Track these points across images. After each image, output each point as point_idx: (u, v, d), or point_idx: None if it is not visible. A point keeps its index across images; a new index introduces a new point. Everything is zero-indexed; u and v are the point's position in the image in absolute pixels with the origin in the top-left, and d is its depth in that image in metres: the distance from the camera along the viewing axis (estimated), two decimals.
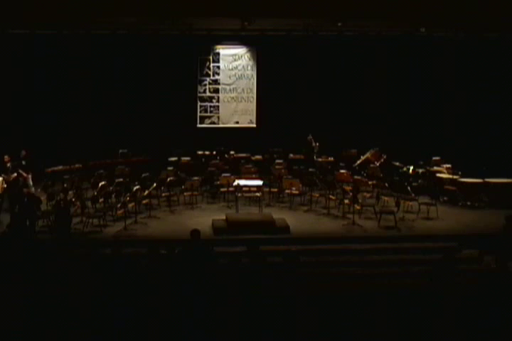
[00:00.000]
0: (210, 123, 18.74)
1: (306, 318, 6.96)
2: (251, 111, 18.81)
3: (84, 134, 17.09)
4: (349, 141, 17.52)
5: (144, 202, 13.49)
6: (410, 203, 13.43)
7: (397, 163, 16.10)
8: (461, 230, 12.26)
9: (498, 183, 14.23)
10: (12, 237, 10.63)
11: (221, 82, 18.63)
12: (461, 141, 17.53)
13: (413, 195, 13.49)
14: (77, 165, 15.78)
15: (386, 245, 11.56)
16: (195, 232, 8.84)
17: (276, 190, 14.70)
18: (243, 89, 18.73)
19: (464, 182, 14.36)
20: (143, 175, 14.51)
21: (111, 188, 13.41)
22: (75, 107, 17.32)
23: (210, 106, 18.73)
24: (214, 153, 17.55)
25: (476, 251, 10.92)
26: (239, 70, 18.64)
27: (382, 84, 18.07)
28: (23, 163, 13.98)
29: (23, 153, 14.10)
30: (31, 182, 14.02)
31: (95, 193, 12.98)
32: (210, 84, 18.63)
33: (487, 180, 14.29)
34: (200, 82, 18.57)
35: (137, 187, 13.12)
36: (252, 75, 18.69)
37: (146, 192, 13.20)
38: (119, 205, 12.73)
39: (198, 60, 18.46)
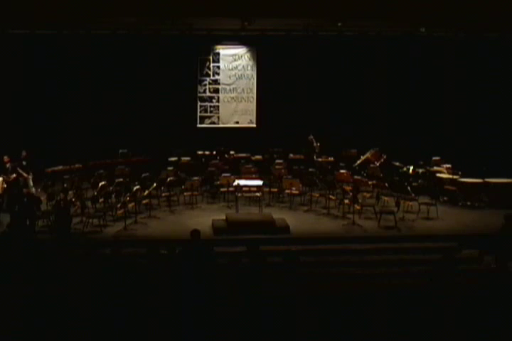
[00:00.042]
0: (210, 123, 18.75)
1: (306, 318, 6.96)
2: (251, 111, 18.81)
3: (84, 134, 17.09)
4: (349, 141, 17.52)
5: (144, 202, 13.49)
6: (410, 203, 13.43)
7: (397, 163, 16.10)
8: (461, 230, 12.26)
9: (498, 183, 14.23)
10: (12, 237, 10.63)
11: (221, 82, 18.63)
12: (461, 141, 17.54)
13: (413, 195, 13.49)
14: (77, 165, 15.78)
15: (386, 245, 11.56)
16: (196, 232, 8.84)
17: (276, 190, 14.70)
18: (243, 89, 18.73)
19: (464, 182, 14.36)
20: (143, 175, 14.51)
21: (111, 188, 13.41)
22: (75, 107, 17.32)
23: (210, 106, 18.73)
24: (214, 153, 17.55)
25: (476, 251, 10.92)
26: (239, 70, 18.64)
27: (382, 84, 18.06)
28: (24, 163, 13.97)
29: (24, 153, 14.10)
30: (32, 183, 14.01)
31: (95, 193, 12.99)
32: (210, 84, 18.63)
33: (487, 180, 14.29)
34: (200, 82, 18.57)
35: (137, 187, 13.12)
36: (252, 75, 18.69)
37: (146, 192, 13.20)
38: (119, 205, 12.73)
39: (198, 60, 18.46)
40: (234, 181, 13.63)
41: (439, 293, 7.99)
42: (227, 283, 7.91)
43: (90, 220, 12.32)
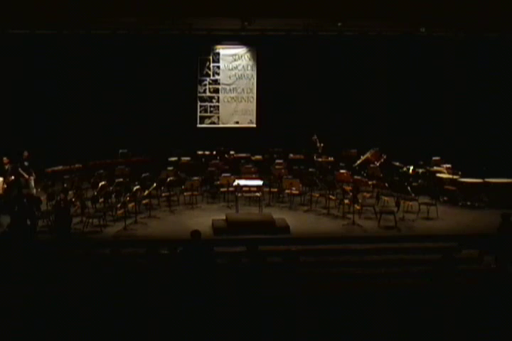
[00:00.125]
0: (210, 123, 18.74)
1: (306, 318, 6.96)
2: (251, 111, 18.81)
3: (84, 134, 17.08)
4: (349, 141, 17.52)
5: (144, 202, 13.49)
6: (410, 203, 13.42)
7: (397, 163, 16.10)
8: (461, 230, 12.26)
9: (498, 183, 14.23)
10: (12, 237, 10.64)
11: (221, 82, 18.63)
12: (461, 141, 17.53)
13: (413, 195, 13.49)
14: (77, 165, 15.77)
15: (386, 245, 11.56)
16: (196, 233, 8.84)
17: (276, 190, 14.70)
18: (243, 89, 18.72)
19: (464, 182, 14.36)
20: (143, 175, 14.51)
21: (111, 188, 13.40)
22: (75, 107, 17.31)
23: (210, 106, 18.73)
24: (214, 153, 17.54)
25: (476, 251, 10.93)
26: (239, 70, 18.64)
27: (382, 84, 18.06)
28: (26, 163, 13.96)
29: (26, 154, 14.08)
30: (33, 184, 14.00)
31: (95, 193, 12.98)
32: (210, 84, 18.63)
33: (487, 180, 14.29)
34: (200, 82, 18.57)
35: (137, 187, 13.11)
36: (252, 75, 18.69)
37: (146, 192, 13.20)
38: (119, 205, 12.73)
39: (198, 60, 18.46)
40: (234, 181, 13.62)
41: (439, 293, 7.99)
42: (227, 283, 7.91)
43: (90, 220, 12.32)
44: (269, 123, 18.26)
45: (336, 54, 18.02)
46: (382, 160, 16.34)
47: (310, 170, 15.33)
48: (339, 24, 15.51)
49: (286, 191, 14.34)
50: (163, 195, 14.24)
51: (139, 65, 17.53)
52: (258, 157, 17.33)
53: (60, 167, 15.55)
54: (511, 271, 9.77)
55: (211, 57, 18.52)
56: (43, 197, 12.97)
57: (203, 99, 18.67)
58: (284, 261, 8.39)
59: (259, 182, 13.57)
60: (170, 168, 15.29)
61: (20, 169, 13.86)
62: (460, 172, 15.06)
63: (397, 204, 13.05)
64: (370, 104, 17.94)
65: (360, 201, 13.11)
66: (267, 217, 12.45)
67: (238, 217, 12.58)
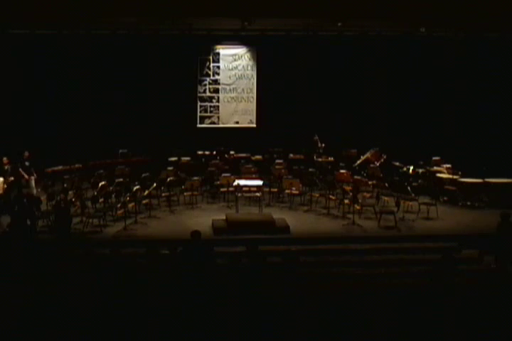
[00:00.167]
0: (210, 123, 18.74)
1: (306, 318, 6.96)
2: (251, 111, 18.81)
3: (84, 134, 17.08)
4: (349, 141, 17.51)
5: (144, 202, 13.49)
6: (410, 203, 13.42)
7: (397, 163, 16.10)
8: (461, 230, 12.25)
9: (498, 183, 14.23)
10: (12, 237, 10.64)
11: (221, 82, 18.63)
12: (461, 141, 17.52)
13: (413, 195, 13.49)
14: (77, 165, 15.77)
15: (386, 245, 11.56)
16: (196, 233, 8.84)
17: (276, 190, 14.69)
18: (243, 89, 18.72)
19: (464, 182, 14.36)
20: (143, 175, 14.51)
21: (111, 188, 13.40)
22: (75, 107, 17.31)
23: (210, 106, 18.73)
24: (214, 153, 17.54)
25: (476, 251, 10.93)
26: (239, 70, 18.64)
27: (382, 84, 18.06)
28: (27, 163, 13.96)
29: (27, 154, 14.07)
30: (34, 184, 13.99)
31: (95, 193, 12.98)
32: (210, 84, 18.63)
33: (487, 180, 14.28)
34: (200, 82, 18.57)
35: (137, 187, 13.12)
36: (252, 75, 18.69)
37: (146, 192, 13.20)
38: (119, 205, 12.73)
39: (198, 60, 18.45)
40: (234, 181, 13.62)
41: (439, 293, 7.99)
42: (227, 283, 7.91)
43: (90, 220, 12.32)
44: (269, 123, 18.26)
45: (336, 54, 18.01)
46: (382, 160, 16.34)
47: (310, 170, 15.33)
48: (339, 24, 15.49)
49: (286, 191, 14.34)
50: (163, 195, 14.23)
51: (139, 65, 17.53)
52: (258, 157, 17.33)
53: (60, 167, 15.55)
54: (511, 271, 9.76)
55: (211, 57, 18.52)
56: (43, 197, 12.97)
57: (203, 99, 18.67)
58: (284, 261, 8.39)
59: (259, 182, 13.57)
60: (170, 168, 15.29)
61: (20, 169, 13.87)
62: (460, 172, 15.05)
63: (397, 204, 13.04)
64: (370, 104, 17.94)
65: (360, 201, 13.11)
66: (267, 217, 12.45)
67: (238, 217, 12.58)
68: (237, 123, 18.80)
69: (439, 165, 15.74)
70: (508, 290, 8.13)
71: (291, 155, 17.41)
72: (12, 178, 13.21)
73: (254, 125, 18.76)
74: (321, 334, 6.81)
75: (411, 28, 16.35)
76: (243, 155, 17.35)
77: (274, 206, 14.09)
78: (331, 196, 13.85)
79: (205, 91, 18.64)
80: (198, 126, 18.67)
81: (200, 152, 17.53)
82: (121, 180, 14.04)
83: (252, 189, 13.48)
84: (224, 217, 12.50)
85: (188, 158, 16.98)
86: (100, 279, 7.87)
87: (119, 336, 6.86)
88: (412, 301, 7.66)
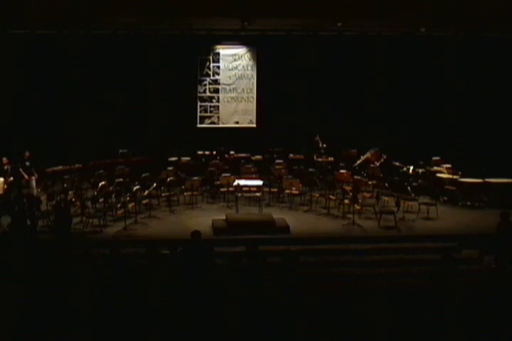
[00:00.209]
0: (210, 123, 18.74)
1: (306, 318, 6.96)
2: (251, 111, 18.81)
3: (84, 134, 17.07)
4: (349, 141, 17.51)
5: (144, 202, 13.49)
6: (410, 203, 13.42)
7: (397, 163, 16.10)
8: (461, 230, 12.26)
9: (498, 183, 14.23)
10: (12, 237, 10.65)
11: (221, 82, 18.63)
12: (461, 141, 17.52)
13: (413, 195, 13.49)
14: (77, 165, 15.77)
15: (386, 245, 11.56)
16: (196, 234, 8.84)
17: (276, 190, 14.70)
18: (243, 89, 18.72)
19: (464, 182, 14.36)
20: (143, 175, 14.51)
21: (111, 188, 13.40)
22: (75, 107, 17.31)
23: (210, 106, 18.73)
24: (214, 153, 17.54)
25: (476, 251, 10.92)
26: (239, 70, 18.64)
27: (382, 84, 18.07)
28: (27, 163, 13.95)
29: (27, 154, 14.06)
30: (34, 184, 13.98)
31: (95, 193, 12.98)
32: (210, 84, 18.63)
33: (487, 180, 14.28)
34: (200, 82, 18.57)
35: (137, 187, 13.12)
36: (252, 75, 18.69)
37: (146, 192, 13.20)
38: (119, 205, 12.73)
39: (198, 60, 18.45)
40: (234, 181, 13.63)
41: (439, 293, 7.99)
42: (227, 283, 7.91)
43: (90, 220, 12.32)
44: (269, 123, 18.26)
45: (336, 54, 18.01)
46: (382, 160, 16.34)
47: (310, 170, 15.33)
48: (339, 24, 15.50)
49: (286, 191, 14.34)
50: (163, 195, 14.24)
51: (139, 65, 17.53)
52: (258, 157, 17.33)
53: (60, 167, 15.55)
54: (511, 271, 9.76)
55: (211, 57, 18.52)
56: (43, 197, 12.97)
57: (203, 99, 18.67)
58: (283, 261, 8.39)
59: (259, 182, 13.57)
60: (170, 168, 15.29)
61: (21, 169, 13.86)
62: (460, 172, 15.05)
63: (397, 204, 13.04)
64: (370, 104, 17.95)
65: (360, 201, 13.11)
66: (267, 217, 12.45)
67: (238, 217, 12.58)
68: (237, 123, 18.80)
69: (439, 165, 15.74)
70: (508, 290, 8.13)
71: (291, 155, 17.41)
72: (11, 178, 13.20)
73: (254, 125, 18.76)
74: (321, 334, 6.81)
75: (411, 28, 16.35)
76: (243, 155, 17.35)
77: (274, 206, 14.09)
78: (331, 196, 13.85)
79: (205, 91, 18.64)
80: (198, 126, 18.67)
81: (200, 152, 17.54)
82: (121, 180, 14.04)
83: (252, 189, 13.48)
84: (224, 217, 12.50)
85: (188, 158, 16.98)
86: (100, 279, 7.87)
87: (119, 336, 6.86)
88: (412, 301, 7.65)
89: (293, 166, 15.97)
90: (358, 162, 16.67)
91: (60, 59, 17.11)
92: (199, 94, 18.60)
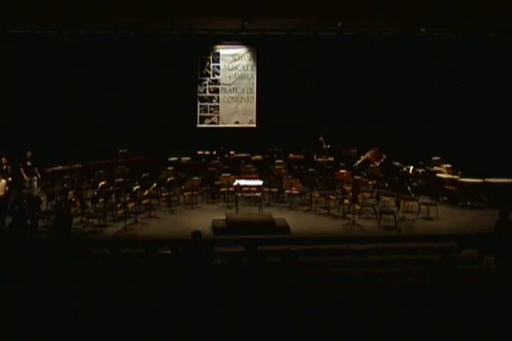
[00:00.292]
0: (210, 123, 18.74)
1: (306, 318, 6.96)
2: (251, 111, 18.81)
3: (84, 134, 17.07)
4: (349, 141, 17.51)
5: (144, 202, 13.49)
6: (410, 203, 13.42)
7: (397, 163, 16.10)
8: (461, 230, 12.26)
9: (498, 183, 14.23)
10: (13, 237, 10.65)
11: (221, 82, 18.63)
12: (461, 141, 17.53)
13: (413, 195, 13.49)
14: (77, 165, 15.77)
15: (386, 245, 11.56)
16: (197, 234, 8.84)
17: (276, 190, 14.70)
18: (243, 89, 18.73)
19: (464, 182, 14.36)
20: (143, 175, 14.52)
21: (111, 188, 13.41)
22: (75, 107, 17.31)
23: (210, 106, 18.73)
24: (214, 153, 17.54)
25: (476, 251, 10.92)
26: (239, 70, 18.64)
27: (382, 84, 18.09)
28: (29, 163, 13.94)
29: (29, 154, 14.05)
30: (36, 184, 13.98)
31: (95, 193, 12.98)
32: (210, 84, 18.63)
33: (487, 180, 14.29)
34: (200, 82, 18.57)
35: (137, 187, 13.12)
36: (252, 75, 18.69)
37: (146, 192, 13.20)
38: (119, 205, 12.73)
39: (198, 60, 18.45)
40: (234, 181, 13.62)
41: (439, 293, 7.99)
42: (227, 283, 7.91)
43: (90, 220, 12.32)
44: (269, 123, 18.26)
45: (336, 54, 18.02)
46: (382, 160, 16.35)
47: (310, 170, 15.34)
48: (339, 24, 15.51)
49: (286, 191, 14.34)
50: (163, 195, 14.23)
51: (139, 65, 17.54)
52: (258, 157, 17.33)
53: (60, 167, 15.55)
54: (511, 271, 9.77)
55: (211, 57, 18.52)
56: (43, 197, 12.97)
57: (203, 99, 18.67)
58: (283, 261, 8.39)
59: (259, 182, 13.57)
60: (170, 168, 15.29)
61: (22, 169, 13.87)
62: (460, 172, 15.05)
63: (397, 204, 13.04)
64: (370, 104, 17.94)
65: (360, 201, 13.10)
66: (267, 217, 12.45)
67: (238, 217, 12.58)
68: (237, 123, 18.80)
69: (439, 165, 15.75)
70: (508, 290, 8.13)
71: (291, 155, 17.41)
72: (10, 179, 13.20)
73: (254, 125, 18.76)
74: (321, 334, 6.81)
75: (411, 28, 16.36)
76: (243, 155, 17.35)
77: (274, 206, 14.09)
78: (331, 196, 13.85)
79: (205, 91, 18.64)
80: (198, 126, 18.67)
81: (200, 152, 17.54)
82: (121, 180, 14.04)
83: (252, 189, 13.48)
84: (224, 217, 12.50)
85: (188, 158, 16.98)
86: (100, 279, 7.87)
87: (119, 336, 6.86)
88: (412, 301, 7.66)
89: (293, 166, 15.97)
90: (358, 162, 16.67)
91: (60, 59, 17.12)
92: (199, 94, 18.60)
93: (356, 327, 6.94)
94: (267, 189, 14.32)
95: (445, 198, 14.41)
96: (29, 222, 11.24)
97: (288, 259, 8.38)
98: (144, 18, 15.10)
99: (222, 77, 18.62)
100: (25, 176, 13.79)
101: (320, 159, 16.87)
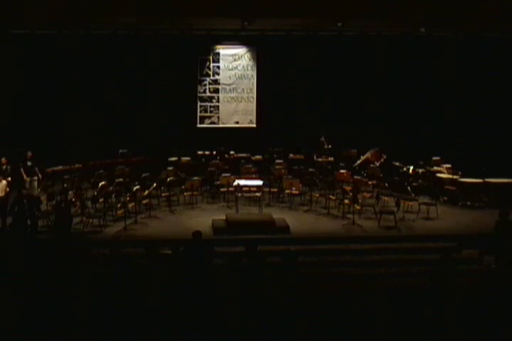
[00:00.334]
0: (210, 123, 18.74)
1: (306, 318, 6.96)
2: (251, 111, 18.81)
3: (84, 134, 17.07)
4: (349, 141, 17.51)
5: (144, 202, 13.48)
6: (410, 203, 13.42)
7: (397, 163, 16.10)
8: (461, 230, 12.26)
9: (498, 183, 14.23)
10: (12, 237, 10.65)
11: (221, 82, 18.63)
12: (461, 141, 17.53)
13: (413, 195, 13.49)
14: (77, 165, 15.77)
15: (386, 245, 11.56)
16: (197, 234, 8.84)
17: (276, 190, 14.69)
18: (243, 89, 18.73)
19: (464, 182, 14.36)
20: (143, 175, 14.51)
21: (111, 188, 13.41)
22: (75, 107, 17.31)
23: (210, 106, 18.73)
24: (214, 153, 17.54)
25: (476, 251, 10.93)
26: (239, 70, 18.64)
27: (382, 84, 18.09)
28: (29, 163, 13.93)
29: (30, 154, 14.04)
30: (36, 184, 13.97)
31: (95, 193, 12.98)
32: (210, 84, 18.63)
33: (487, 180, 14.29)
34: (200, 82, 18.57)
35: (137, 187, 13.12)
36: (252, 75, 18.69)
37: (146, 192, 13.19)
38: (119, 205, 12.73)
39: (198, 60, 18.45)
40: (234, 181, 13.62)
41: (439, 293, 7.99)
42: (227, 283, 7.91)
43: (90, 220, 12.32)
44: (269, 123, 18.26)
45: (336, 54, 18.02)
46: (382, 160, 16.35)
47: (310, 170, 15.33)
48: (339, 24, 15.51)
49: (286, 191, 14.34)
50: (163, 195, 14.23)
51: (139, 65, 17.54)
52: (258, 157, 17.33)
53: (60, 167, 15.55)
54: (511, 271, 9.77)
55: (211, 57, 18.52)
56: (43, 197, 12.97)
57: (203, 99, 18.67)
58: (283, 261, 8.39)
59: (259, 182, 13.57)
60: (170, 168, 15.29)
61: (22, 169, 13.86)
62: (460, 172, 15.05)
63: (397, 204, 13.04)
64: (370, 104, 17.95)
65: (360, 201, 13.10)
66: (267, 217, 12.45)
67: (238, 217, 12.58)
68: (237, 123, 18.80)
69: (439, 165, 15.75)
70: (508, 290, 8.13)
71: (291, 155, 17.41)
72: (9, 179, 13.20)
73: (254, 125, 18.76)
74: (321, 334, 6.81)
75: (411, 28, 16.36)
76: (243, 155, 17.35)
77: (274, 206, 14.09)
78: (331, 196, 13.85)
79: (205, 92, 18.64)
80: (198, 126, 18.67)
81: (200, 152, 17.53)
82: (121, 180, 14.04)
83: (252, 189, 13.48)
84: (224, 217, 12.50)
85: (188, 158, 16.98)
86: (100, 279, 7.87)
87: (119, 336, 6.86)
88: (412, 301, 7.66)
89: (293, 166, 15.97)
90: (358, 162, 16.67)
91: (60, 59, 17.12)
92: (199, 94, 18.60)
93: (356, 327, 6.94)
94: (267, 189, 14.32)
95: (445, 198, 14.41)
96: (29, 222, 11.23)
97: (288, 259, 8.39)
98: (144, 18, 15.10)
99: (222, 77, 18.62)
100: (24, 176, 13.78)
101: (320, 159, 16.87)
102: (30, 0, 13.34)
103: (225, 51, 18.53)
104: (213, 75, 18.59)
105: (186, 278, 8.03)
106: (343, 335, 6.86)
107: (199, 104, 18.64)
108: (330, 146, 17.23)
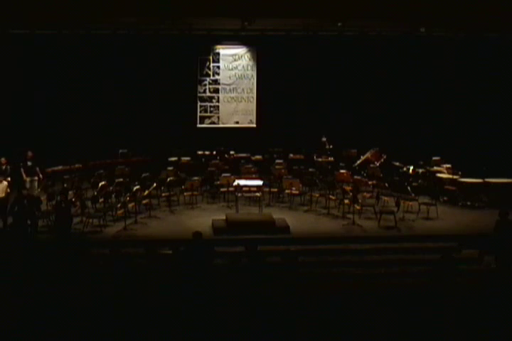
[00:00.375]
0: (210, 123, 18.75)
1: (306, 318, 6.96)
2: (251, 111, 18.81)
3: (84, 134, 17.08)
4: (349, 141, 17.52)
5: (144, 202, 13.48)
6: (410, 203, 13.42)
7: (397, 163, 16.11)
8: (461, 230, 12.26)
9: (498, 183, 14.23)
10: (12, 237, 10.65)
11: (221, 82, 18.63)
12: (461, 141, 17.53)
13: (413, 195, 13.49)
14: (77, 165, 15.78)
15: (386, 245, 11.56)
16: (197, 234, 8.84)
17: (276, 190, 14.70)
18: (243, 89, 18.73)
19: (464, 182, 14.36)
20: (143, 175, 14.51)
21: (111, 188, 13.40)
22: (75, 107, 17.32)
23: (210, 106, 18.73)
24: (214, 153, 17.54)
25: (476, 251, 10.92)
26: (239, 70, 18.64)
27: (382, 84, 18.09)
28: (29, 163, 13.93)
29: (30, 154, 14.04)
30: (36, 184, 13.96)
31: (95, 193, 12.98)
32: (210, 84, 18.63)
33: (487, 180, 14.29)
34: (200, 82, 18.57)
35: (137, 187, 13.11)
36: (252, 75, 18.69)
37: (146, 192, 13.19)
38: (119, 205, 12.72)
39: (198, 60, 18.46)
40: (234, 181, 13.62)
41: (439, 293, 7.99)
42: (227, 283, 7.91)
43: (90, 220, 12.32)
44: (269, 123, 18.27)
45: (336, 54, 18.02)
46: (382, 160, 16.35)
47: (310, 170, 15.33)
48: (339, 24, 15.51)
49: (286, 191, 14.34)
50: (163, 195, 14.23)
51: (139, 65, 17.54)
52: (258, 157, 17.33)
53: (60, 167, 15.55)
54: (511, 271, 9.77)
55: (211, 57, 18.52)
56: (43, 197, 12.97)
57: (203, 99, 18.67)
58: (283, 261, 8.39)
59: (259, 182, 13.57)
60: (170, 168, 15.29)
61: (22, 169, 13.86)
62: (460, 172, 15.06)
63: (397, 204, 13.04)
64: (370, 104, 17.96)
65: (360, 201, 13.10)
66: (267, 217, 12.45)
67: (238, 217, 12.58)
68: (237, 123, 18.80)
69: (439, 165, 15.75)
70: (508, 290, 8.13)
71: (291, 155, 17.41)
72: (9, 179, 13.19)
73: (254, 125, 18.77)
74: (321, 334, 6.81)
75: (411, 28, 16.36)
76: (243, 155, 17.35)
77: (274, 206, 14.09)
78: (331, 196, 13.85)
79: (205, 92, 18.65)
80: (198, 126, 18.68)
81: (200, 152, 17.54)
82: (121, 180, 14.04)
83: (252, 189, 13.47)
84: (224, 217, 12.50)
85: (188, 158, 16.98)
86: (100, 279, 7.87)
87: (119, 336, 6.86)
88: (412, 301, 7.66)
89: (293, 166, 15.97)
90: (358, 162, 16.67)
91: (60, 59, 17.12)
92: (199, 94, 18.60)
93: (356, 327, 6.94)
94: (267, 189, 14.32)
95: (445, 198, 14.41)
96: (29, 222, 11.23)
97: (288, 259, 8.38)
98: (144, 18, 15.10)
99: (222, 77, 18.63)
100: (24, 176, 13.78)
101: (320, 159, 16.87)
102: (30, 0, 13.34)
103: (225, 51, 18.53)
104: (213, 75, 18.59)
105: (186, 278, 8.03)
106: (343, 335, 6.86)
107: (199, 104, 18.64)
108: (331, 146, 17.23)
